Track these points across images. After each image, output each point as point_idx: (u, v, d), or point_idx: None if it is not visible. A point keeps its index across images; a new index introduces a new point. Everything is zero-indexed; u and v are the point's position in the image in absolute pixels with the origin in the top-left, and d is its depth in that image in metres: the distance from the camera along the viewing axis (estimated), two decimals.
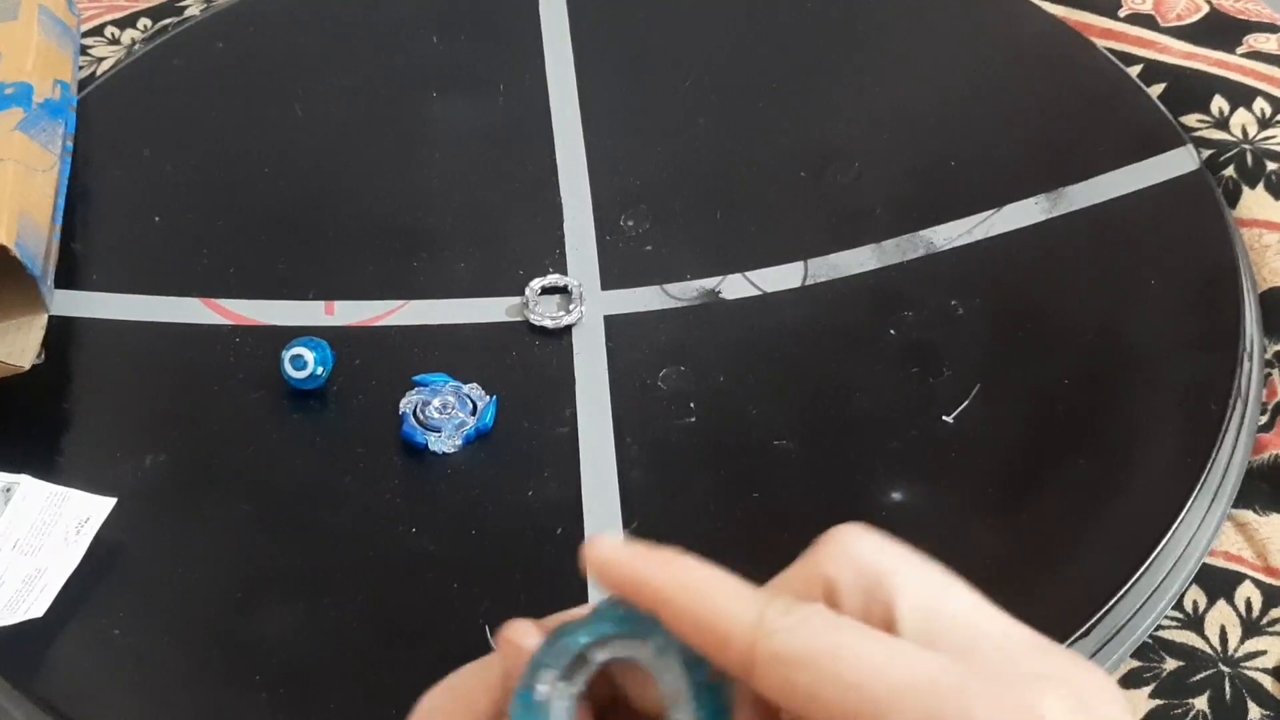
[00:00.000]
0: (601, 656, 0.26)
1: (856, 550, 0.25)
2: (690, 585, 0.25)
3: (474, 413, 0.56)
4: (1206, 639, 0.50)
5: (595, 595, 0.50)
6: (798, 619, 0.24)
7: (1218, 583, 0.51)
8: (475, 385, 0.57)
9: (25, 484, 0.53)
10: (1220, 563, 0.52)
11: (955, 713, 0.22)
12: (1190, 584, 0.51)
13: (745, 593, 0.25)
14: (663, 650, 0.25)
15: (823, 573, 0.25)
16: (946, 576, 0.25)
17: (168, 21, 0.80)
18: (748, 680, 0.24)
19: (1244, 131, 0.66)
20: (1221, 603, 0.51)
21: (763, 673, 0.24)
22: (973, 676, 0.23)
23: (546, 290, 0.61)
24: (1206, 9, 0.73)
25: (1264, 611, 0.50)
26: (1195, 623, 0.50)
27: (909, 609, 0.24)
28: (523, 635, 0.26)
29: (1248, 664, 0.49)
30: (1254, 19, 0.72)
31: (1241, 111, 0.67)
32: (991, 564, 0.51)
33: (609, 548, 0.26)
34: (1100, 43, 0.71)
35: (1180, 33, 0.72)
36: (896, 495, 0.52)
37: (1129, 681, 0.49)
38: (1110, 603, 0.48)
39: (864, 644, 0.23)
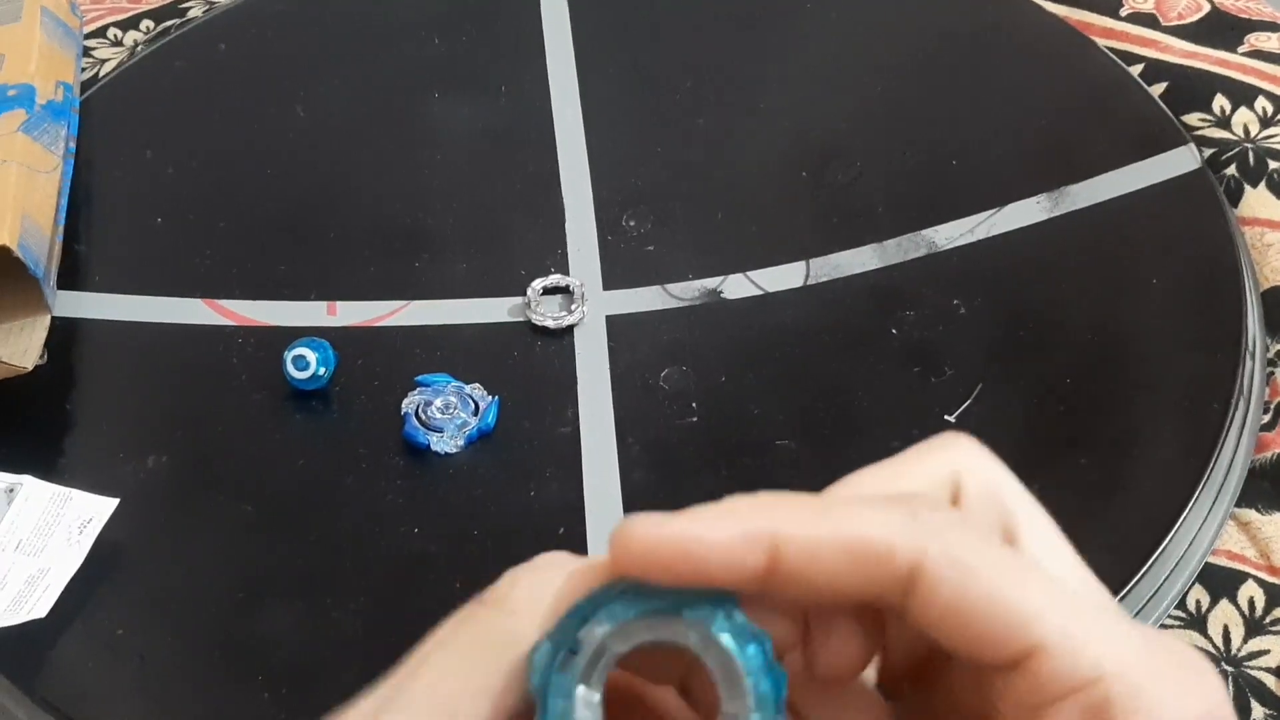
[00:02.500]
0: (640, 639, 0.22)
1: (988, 477, 0.23)
2: (805, 512, 0.22)
3: (476, 413, 0.56)
4: (1209, 638, 0.50)
5: None
6: (970, 529, 0.22)
7: (1220, 582, 0.51)
8: (477, 385, 0.57)
9: (28, 485, 0.53)
10: (1223, 562, 0.52)
11: (1150, 683, 0.21)
12: (1193, 583, 0.51)
13: (875, 498, 0.22)
14: (715, 629, 0.22)
15: (952, 477, 0.23)
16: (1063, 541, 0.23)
17: (170, 23, 0.80)
18: (908, 595, 0.21)
19: (1246, 130, 0.66)
20: (1224, 602, 0.51)
21: (932, 582, 0.21)
22: (1152, 649, 0.21)
23: (548, 290, 0.61)
24: (1208, 8, 0.73)
25: (1267, 611, 0.50)
26: (1198, 622, 0.50)
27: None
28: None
29: (1251, 663, 0.49)
30: (1255, 18, 0.72)
31: (1243, 110, 0.67)
32: None
33: (655, 527, 0.21)
34: (1101, 42, 0.71)
35: (1182, 32, 0.72)
36: None
37: None
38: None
39: (1048, 576, 0.21)
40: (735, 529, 0.22)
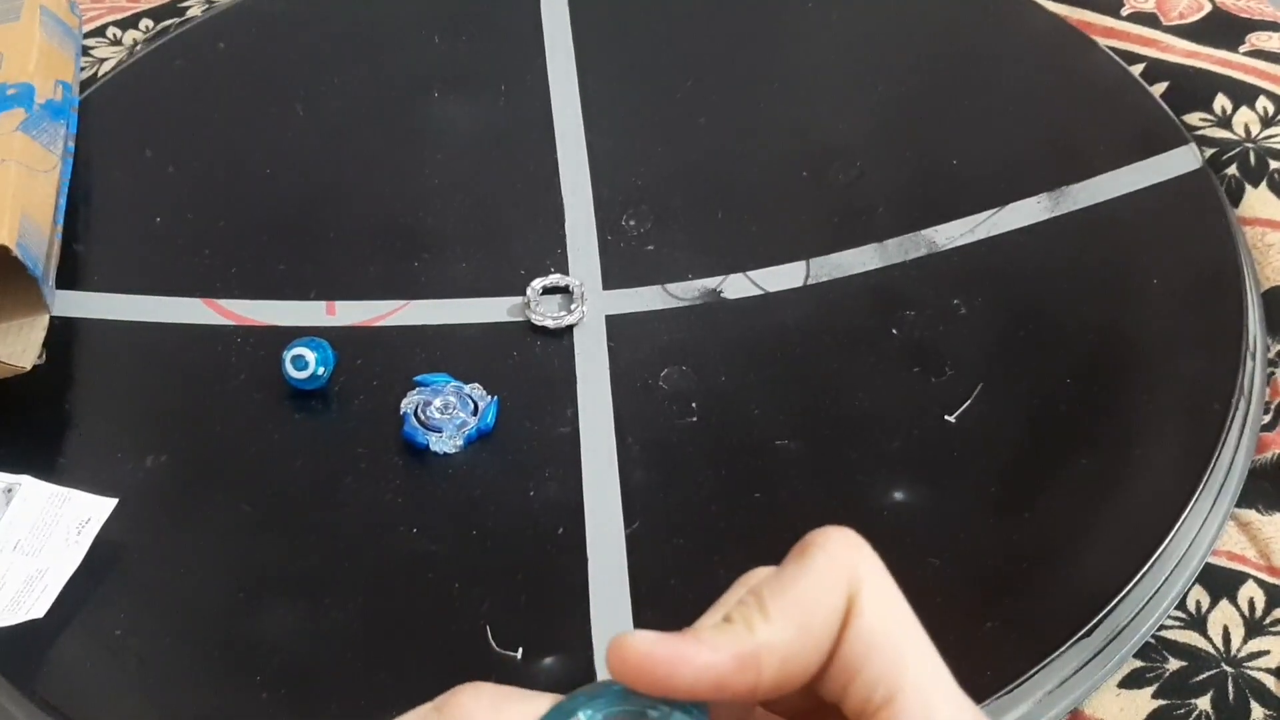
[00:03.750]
0: None
1: (874, 614, 0.24)
2: (776, 620, 0.24)
3: (475, 413, 0.56)
4: (1209, 639, 0.50)
5: (596, 596, 0.50)
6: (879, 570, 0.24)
7: (1220, 582, 0.51)
8: (476, 385, 0.57)
9: (26, 485, 0.53)
10: (1223, 562, 0.52)
11: None
12: (1193, 584, 0.51)
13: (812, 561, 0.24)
14: None
15: (845, 596, 0.24)
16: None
17: (169, 22, 0.80)
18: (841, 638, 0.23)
19: (1246, 130, 0.66)
20: (1224, 603, 0.51)
21: (855, 618, 0.23)
22: None
23: (548, 290, 0.61)
24: (1209, 8, 0.73)
25: (1267, 611, 0.50)
26: (1198, 623, 0.50)
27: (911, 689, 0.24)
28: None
29: (1250, 664, 0.49)
30: (1256, 17, 0.72)
31: (1244, 110, 0.67)
32: (994, 564, 0.50)
33: (651, 645, 0.23)
34: (1103, 41, 0.71)
35: (1183, 31, 0.72)
36: (898, 495, 0.52)
37: (1132, 682, 0.49)
38: (1113, 603, 0.48)
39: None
40: (725, 655, 0.23)
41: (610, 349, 0.59)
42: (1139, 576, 0.49)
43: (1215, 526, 0.52)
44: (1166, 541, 0.49)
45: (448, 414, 0.56)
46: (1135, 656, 0.49)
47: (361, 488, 0.55)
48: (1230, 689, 0.48)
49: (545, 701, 0.24)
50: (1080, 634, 0.47)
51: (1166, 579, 0.50)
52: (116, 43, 0.79)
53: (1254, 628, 0.50)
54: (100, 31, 0.80)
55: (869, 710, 0.23)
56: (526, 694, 0.24)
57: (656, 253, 0.63)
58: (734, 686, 0.23)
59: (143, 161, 0.70)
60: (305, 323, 0.61)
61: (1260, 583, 0.51)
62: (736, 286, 0.61)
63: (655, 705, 0.23)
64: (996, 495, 0.52)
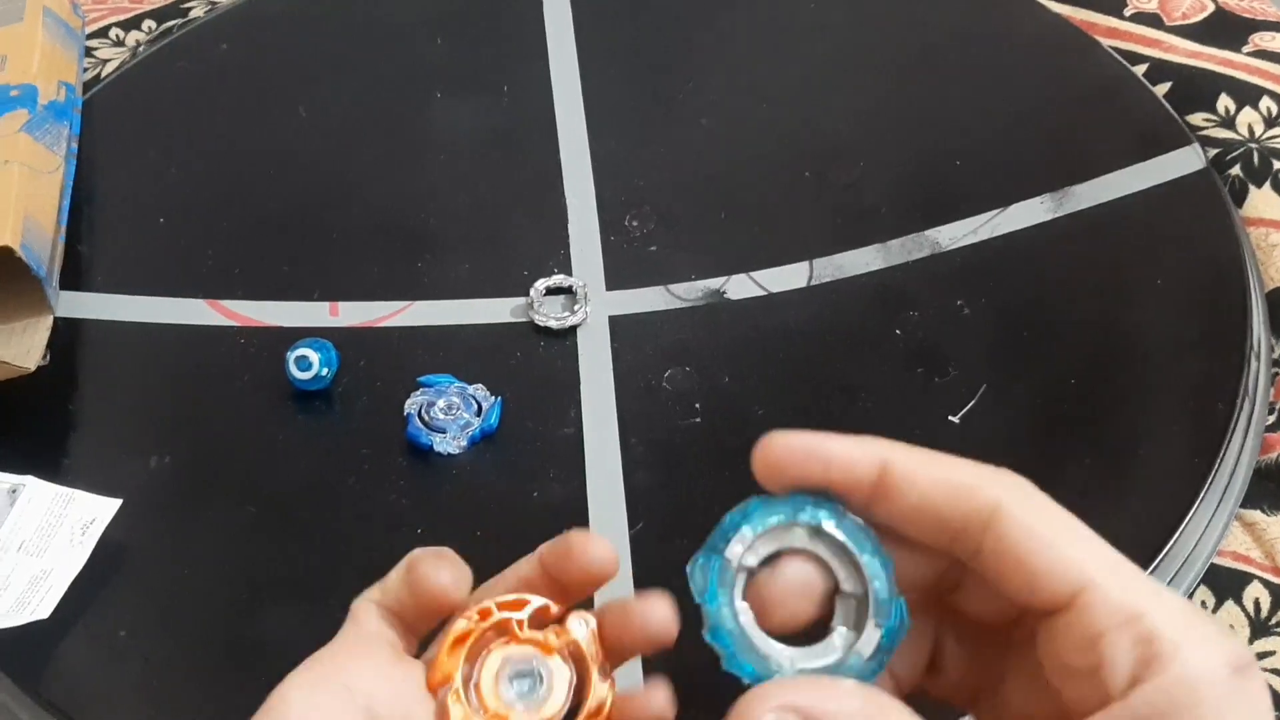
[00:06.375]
0: (768, 549, 0.28)
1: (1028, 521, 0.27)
2: (910, 448, 0.29)
3: (479, 413, 0.56)
4: None
5: (599, 597, 0.50)
6: (1038, 492, 0.29)
7: (1226, 583, 0.51)
8: (480, 386, 0.57)
9: (31, 485, 0.53)
10: (1228, 563, 0.52)
11: (1191, 626, 0.27)
12: (1198, 584, 0.51)
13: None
14: (828, 524, 0.28)
15: (985, 493, 0.28)
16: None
17: (172, 23, 0.80)
18: (986, 531, 0.27)
19: (1250, 130, 0.66)
20: (1230, 603, 0.51)
21: (1007, 523, 0.27)
22: (1188, 605, 0.28)
23: (551, 291, 0.61)
24: (1212, 8, 0.73)
25: (1272, 612, 0.50)
26: None
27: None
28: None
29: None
30: (1260, 17, 0.72)
31: (1248, 110, 0.67)
32: None
33: (790, 436, 0.29)
34: (1106, 42, 0.71)
35: (1186, 31, 0.72)
36: None
37: None
38: None
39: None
40: (854, 443, 0.29)
41: (614, 350, 0.59)
42: None
43: (1220, 527, 0.52)
44: (1171, 542, 0.49)
45: (451, 415, 0.56)
46: None
47: (365, 488, 0.55)
48: None
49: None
50: None
51: (1171, 580, 0.50)
52: (119, 44, 0.80)
53: (1259, 628, 0.50)
54: (103, 32, 0.80)
55: (1059, 602, 0.26)
56: None
57: (659, 253, 0.63)
58: (858, 474, 0.28)
59: (146, 162, 0.70)
60: (309, 323, 0.61)
61: (1265, 584, 0.51)
62: (740, 287, 0.61)
63: (800, 507, 0.28)
64: None
